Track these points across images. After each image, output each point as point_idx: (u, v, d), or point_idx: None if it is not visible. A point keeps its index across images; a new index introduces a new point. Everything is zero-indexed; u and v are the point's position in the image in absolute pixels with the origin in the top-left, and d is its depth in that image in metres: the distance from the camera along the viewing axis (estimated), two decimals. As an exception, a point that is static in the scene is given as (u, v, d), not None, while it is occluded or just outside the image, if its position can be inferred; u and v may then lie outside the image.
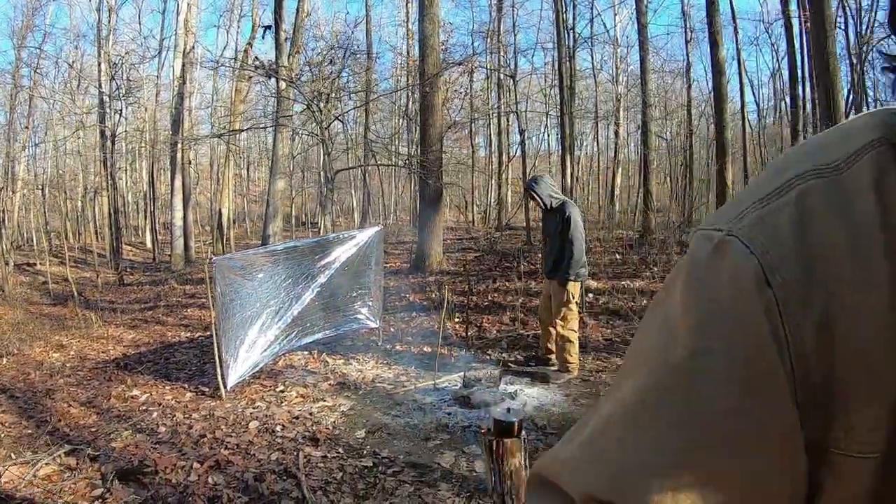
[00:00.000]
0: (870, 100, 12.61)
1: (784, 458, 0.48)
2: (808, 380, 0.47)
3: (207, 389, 5.68)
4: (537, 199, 5.58)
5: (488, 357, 6.42)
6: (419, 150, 12.29)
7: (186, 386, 5.88)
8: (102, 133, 19.62)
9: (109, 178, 19.02)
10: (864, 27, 14.00)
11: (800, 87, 16.79)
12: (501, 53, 21.89)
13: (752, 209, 0.51)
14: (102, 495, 3.59)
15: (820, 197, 0.49)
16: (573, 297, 5.52)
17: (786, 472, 0.48)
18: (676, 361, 0.50)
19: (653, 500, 0.48)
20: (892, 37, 0.54)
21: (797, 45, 16.84)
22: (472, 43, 22.56)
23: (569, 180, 13.97)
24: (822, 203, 0.48)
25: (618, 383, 0.56)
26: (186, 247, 18.98)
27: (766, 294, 0.47)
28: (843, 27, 12.60)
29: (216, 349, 5.40)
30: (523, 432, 3.40)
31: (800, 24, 16.21)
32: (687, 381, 0.49)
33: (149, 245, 24.11)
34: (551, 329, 5.82)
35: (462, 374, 5.51)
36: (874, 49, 13.87)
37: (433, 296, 9.45)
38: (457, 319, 8.01)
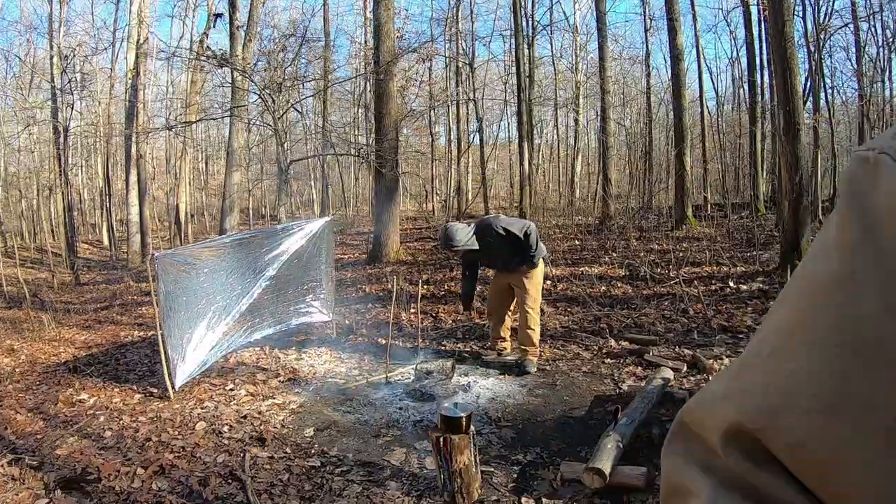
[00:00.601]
0: (827, 86, 12.81)
1: None
2: None
3: (156, 390, 5.46)
4: (464, 249, 5.33)
5: (443, 348, 6.30)
6: (374, 140, 12.08)
7: (135, 387, 5.64)
8: (55, 128, 18.91)
9: (63, 174, 18.38)
10: (822, 16, 14.19)
11: (758, 75, 16.99)
12: (459, 41, 21.73)
13: None
14: (45, 506, 3.39)
15: None
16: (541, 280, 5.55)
17: None
18: (829, 278, 0.46)
19: (803, 421, 0.44)
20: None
21: (756, 33, 17.05)
22: (430, 30, 22.33)
23: (526, 167, 13.90)
24: None
25: (770, 314, 0.52)
26: (144, 243, 18.47)
27: None
28: (801, 15, 12.78)
29: (162, 348, 5.19)
30: (472, 427, 3.29)
31: (758, 11, 16.39)
32: (839, 296, 0.44)
33: (106, 243, 23.38)
34: (507, 318, 5.74)
35: (415, 366, 5.38)
36: (831, 37, 14.16)
37: (389, 286, 9.30)
38: (412, 310, 7.88)
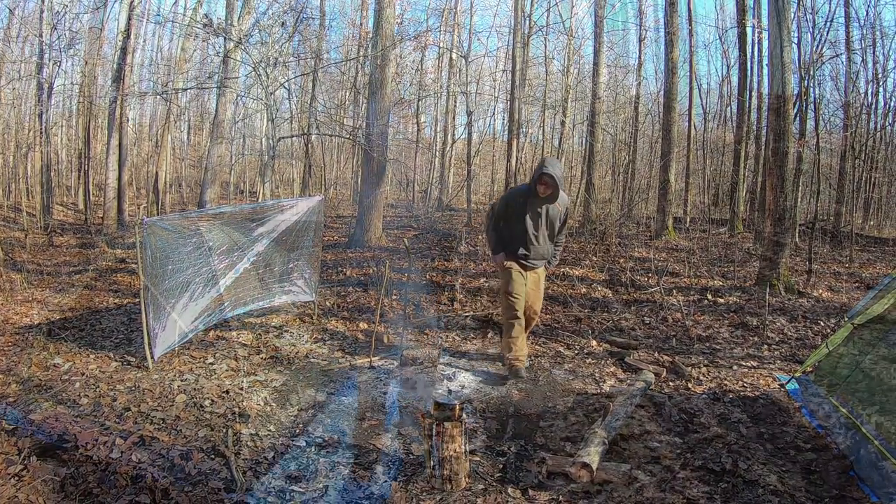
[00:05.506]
0: (816, 113, 13.10)
1: None
2: None
3: (134, 359, 5.37)
4: (555, 186, 5.00)
5: (425, 336, 6.32)
6: (365, 123, 11.99)
7: (112, 355, 5.53)
8: (39, 85, 18.42)
9: (44, 132, 17.93)
10: (815, 45, 14.42)
11: (748, 95, 17.18)
12: (455, 34, 21.67)
13: None
14: (19, 473, 3.26)
15: None
16: None
17: None
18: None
19: None
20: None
21: (749, 54, 17.22)
22: (427, 20, 22.24)
23: (514, 164, 13.95)
24: None
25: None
26: (120, 209, 18.10)
27: None
28: (796, 42, 13.00)
29: (143, 317, 5.10)
30: (464, 416, 3.31)
31: (753, 33, 16.58)
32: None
33: (81, 206, 22.81)
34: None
35: (399, 352, 5.39)
36: (822, 66, 14.47)
37: (371, 271, 9.28)
38: (394, 297, 7.88)
